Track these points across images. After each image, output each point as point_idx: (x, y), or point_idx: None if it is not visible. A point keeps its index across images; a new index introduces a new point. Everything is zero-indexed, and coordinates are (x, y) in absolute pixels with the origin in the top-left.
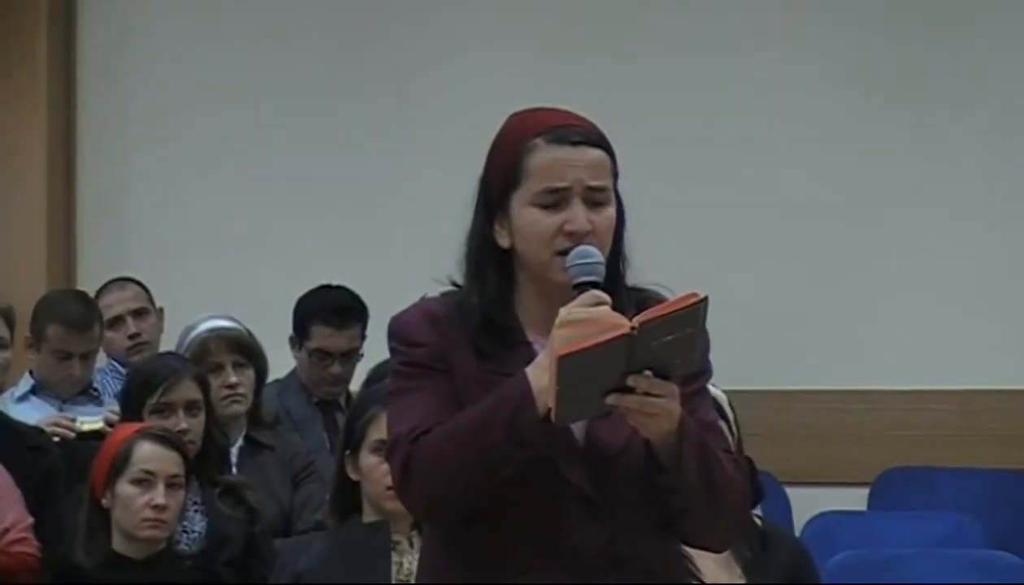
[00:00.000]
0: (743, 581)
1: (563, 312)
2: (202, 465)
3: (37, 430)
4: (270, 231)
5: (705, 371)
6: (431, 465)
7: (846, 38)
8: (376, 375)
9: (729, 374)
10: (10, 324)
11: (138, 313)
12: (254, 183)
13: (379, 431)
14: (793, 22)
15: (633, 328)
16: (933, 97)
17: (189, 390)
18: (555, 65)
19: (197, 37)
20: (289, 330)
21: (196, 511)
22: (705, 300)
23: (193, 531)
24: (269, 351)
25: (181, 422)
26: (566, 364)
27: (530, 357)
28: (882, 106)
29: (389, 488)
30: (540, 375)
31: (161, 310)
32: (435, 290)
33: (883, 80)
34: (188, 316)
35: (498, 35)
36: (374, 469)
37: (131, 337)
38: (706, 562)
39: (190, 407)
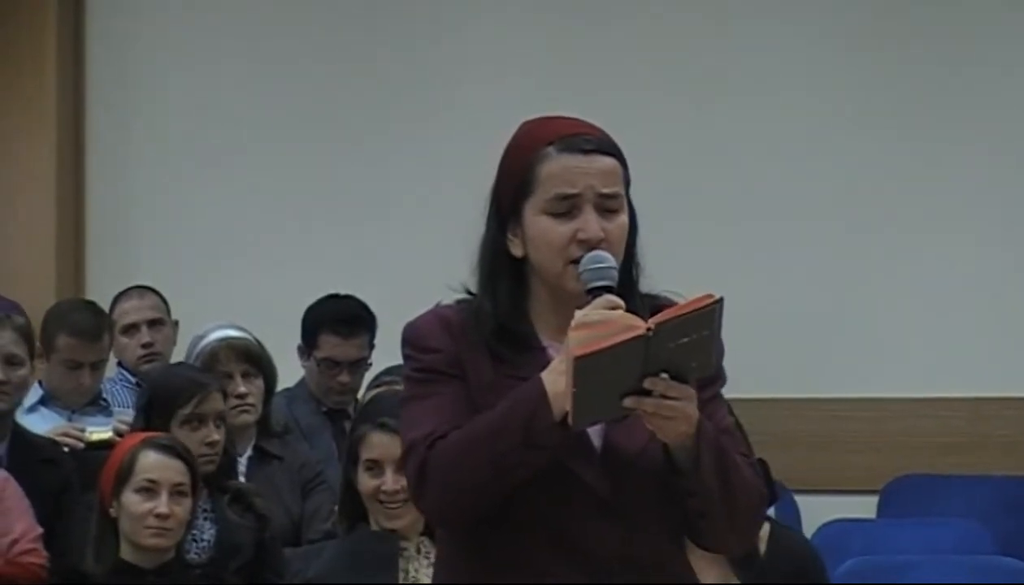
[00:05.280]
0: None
1: (579, 314)
2: (211, 474)
3: (53, 442)
4: (279, 240)
5: (720, 376)
6: (448, 470)
7: (857, 51)
8: (379, 381)
9: (739, 382)
10: (28, 340)
11: (154, 323)
12: (262, 193)
13: (368, 451)
14: (802, 36)
15: (649, 329)
16: (941, 107)
17: (218, 402)
18: (567, 75)
19: (205, 47)
20: (298, 339)
21: (205, 519)
22: (720, 301)
23: (203, 539)
24: (278, 360)
25: (212, 434)
26: (582, 365)
27: (545, 362)
28: (890, 116)
29: (384, 503)
30: (555, 380)
31: (176, 323)
32: (448, 298)
33: (895, 91)
34: (197, 325)
35: (510, 45)
36: (366, 486)
37: (144, 346)
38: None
39: (217, 419)
